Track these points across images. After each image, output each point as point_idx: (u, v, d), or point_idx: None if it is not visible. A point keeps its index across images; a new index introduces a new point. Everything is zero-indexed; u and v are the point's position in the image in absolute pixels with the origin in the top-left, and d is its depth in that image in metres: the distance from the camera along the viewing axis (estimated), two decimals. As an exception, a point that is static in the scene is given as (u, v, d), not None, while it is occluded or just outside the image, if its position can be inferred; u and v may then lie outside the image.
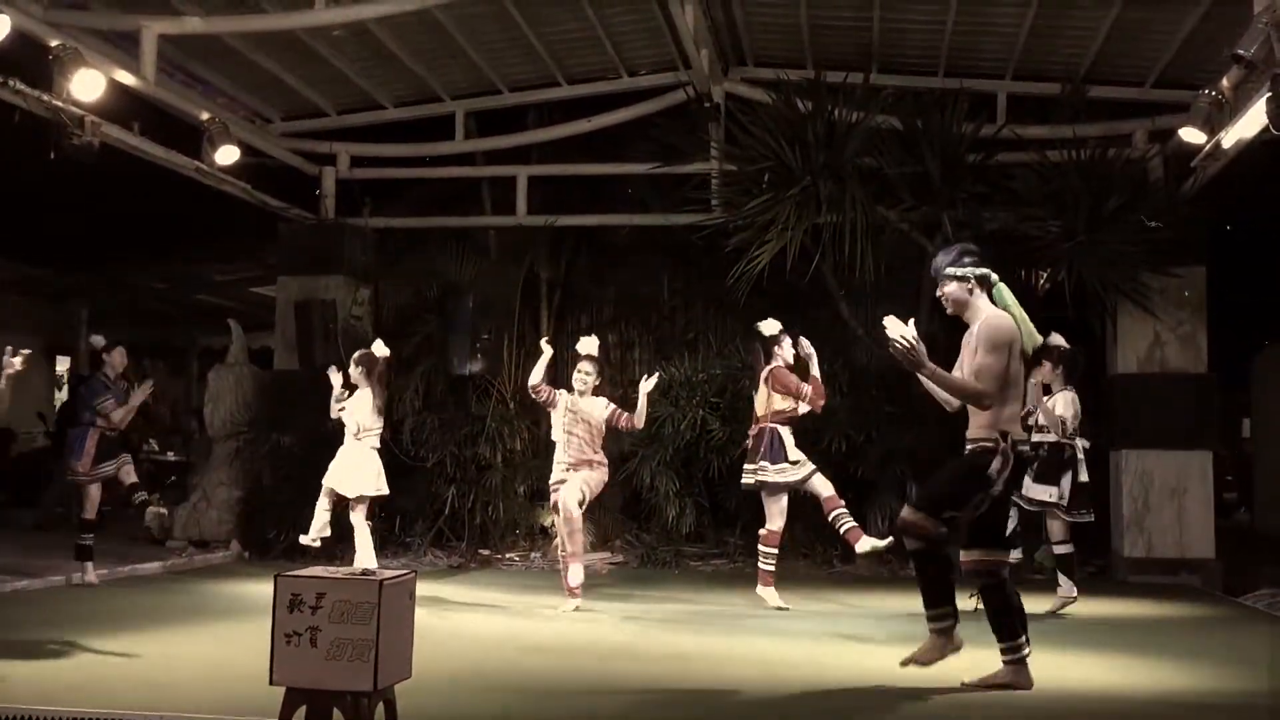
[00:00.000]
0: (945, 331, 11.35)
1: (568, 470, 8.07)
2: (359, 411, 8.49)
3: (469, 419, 11.36)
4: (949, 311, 5.64)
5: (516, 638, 6.94)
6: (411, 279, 12.17)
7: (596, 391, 8.23)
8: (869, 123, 10.32)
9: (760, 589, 8.24)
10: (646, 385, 8.29)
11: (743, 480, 8.41)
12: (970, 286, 5.51)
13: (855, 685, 5.67)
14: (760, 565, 8.32)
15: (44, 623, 6.83)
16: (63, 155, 8.19)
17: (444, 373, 11.35)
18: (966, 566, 5.54)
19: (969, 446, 5.50)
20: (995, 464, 5.32)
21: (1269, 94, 7.19)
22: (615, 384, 11.08)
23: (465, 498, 11.15)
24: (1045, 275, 10.99)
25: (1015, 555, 8.18)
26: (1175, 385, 10.47)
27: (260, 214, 11.63)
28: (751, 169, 10.54)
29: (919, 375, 5.41)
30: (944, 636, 5.55)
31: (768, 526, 8.27)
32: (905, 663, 5.63)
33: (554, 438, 8.28)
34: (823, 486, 8.15)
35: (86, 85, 8.11)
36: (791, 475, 8.16)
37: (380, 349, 8.68)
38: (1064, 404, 8.12)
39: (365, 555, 8.20)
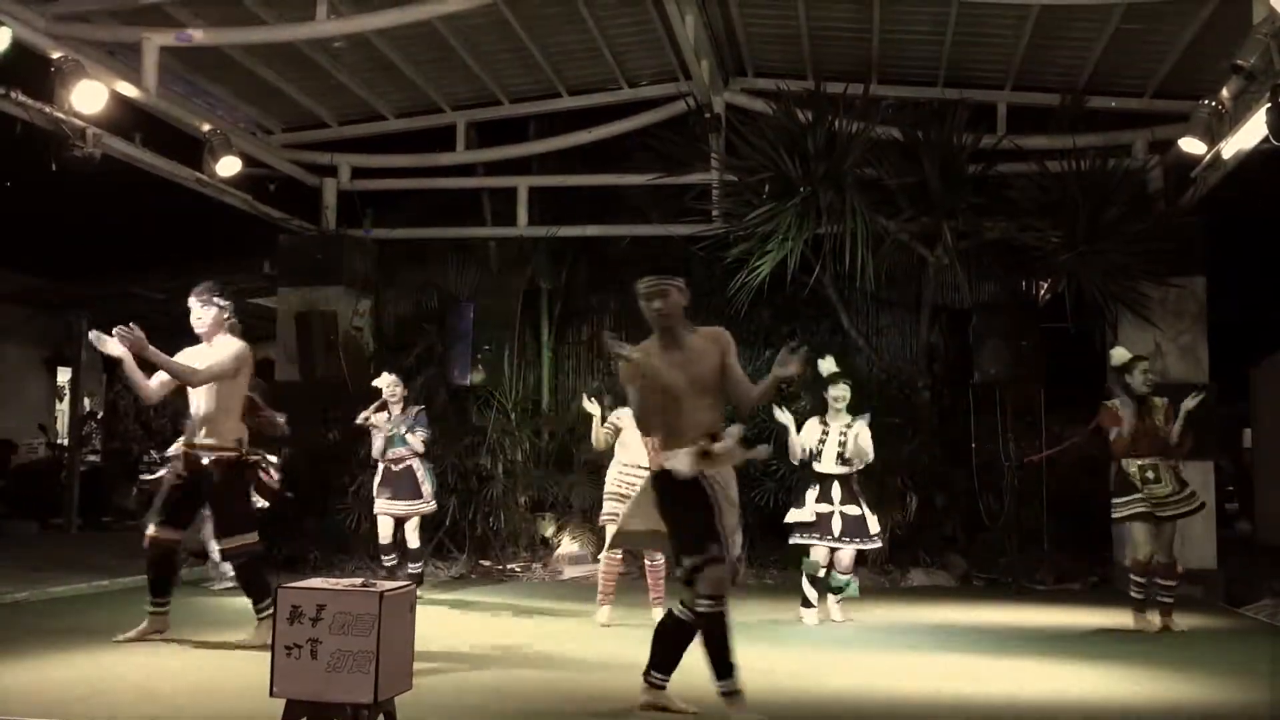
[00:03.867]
0: (944, 339, 11.51)
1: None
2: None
3: (470, 430, 11.36)
4: None
5: (518, 649, 6.92)
6: (412, 290, 12.20)
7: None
8: (869, 133, 10.34)
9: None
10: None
11: (1119, 515, 8.02)
12: None
13: (855, 694, 5.67)
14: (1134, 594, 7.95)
15: (43, 633, 6.82)
16: (64, 167, 8.21)
17: (444, 383, 11.35)
18: None
19: None
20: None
21: (1269, 104, 7.21)
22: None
23: (466, 508, 11.13)
24: (1045, 286, 11.00)
25: None
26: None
27: (261, 225, 11.66)
28: (752, 179, 10.55)
29: None
30: None
31: (1134, 555, 7.94)
32: None
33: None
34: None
35: (88, 97, 8.14)
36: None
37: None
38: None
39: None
